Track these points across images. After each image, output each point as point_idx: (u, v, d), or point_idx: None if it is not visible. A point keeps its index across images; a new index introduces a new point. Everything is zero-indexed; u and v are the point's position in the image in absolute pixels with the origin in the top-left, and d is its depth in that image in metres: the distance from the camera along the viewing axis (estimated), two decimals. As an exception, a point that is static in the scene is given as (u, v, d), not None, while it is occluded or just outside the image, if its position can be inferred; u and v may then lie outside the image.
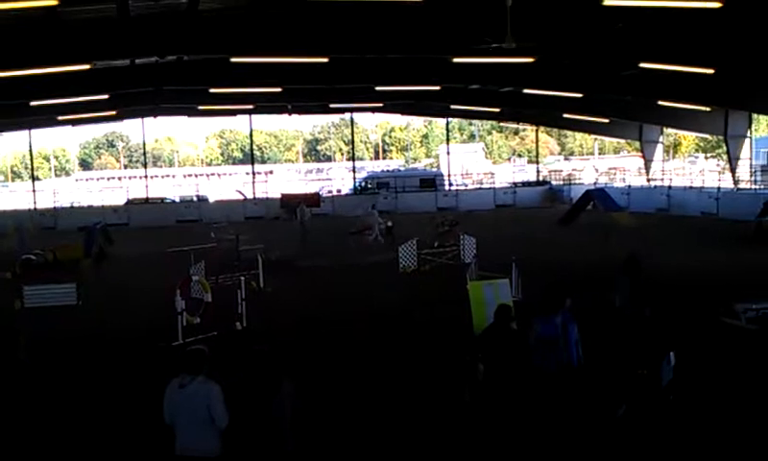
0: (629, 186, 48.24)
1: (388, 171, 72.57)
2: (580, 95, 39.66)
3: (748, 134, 43.79)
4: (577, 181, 60.20)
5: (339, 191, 65.10)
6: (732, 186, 42.69)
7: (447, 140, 70.06)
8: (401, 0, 20.82)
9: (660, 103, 40.83)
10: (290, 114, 55.00)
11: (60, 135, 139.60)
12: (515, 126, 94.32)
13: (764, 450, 8.39)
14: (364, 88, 40.42)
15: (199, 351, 6.70)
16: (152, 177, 69.41)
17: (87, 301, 18.49)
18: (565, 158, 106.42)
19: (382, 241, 29.33)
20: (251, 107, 48.70)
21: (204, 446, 6.42)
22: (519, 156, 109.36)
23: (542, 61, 29.09)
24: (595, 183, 54.14)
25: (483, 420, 8.30)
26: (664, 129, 51.99)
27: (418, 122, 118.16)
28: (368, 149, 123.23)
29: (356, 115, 64.66)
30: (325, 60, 29.04)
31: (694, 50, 25.33)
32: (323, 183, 76.07)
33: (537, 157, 70.74)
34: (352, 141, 69.31)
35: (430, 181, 55.40)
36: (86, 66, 26.34)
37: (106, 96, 36.93)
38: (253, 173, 59.90)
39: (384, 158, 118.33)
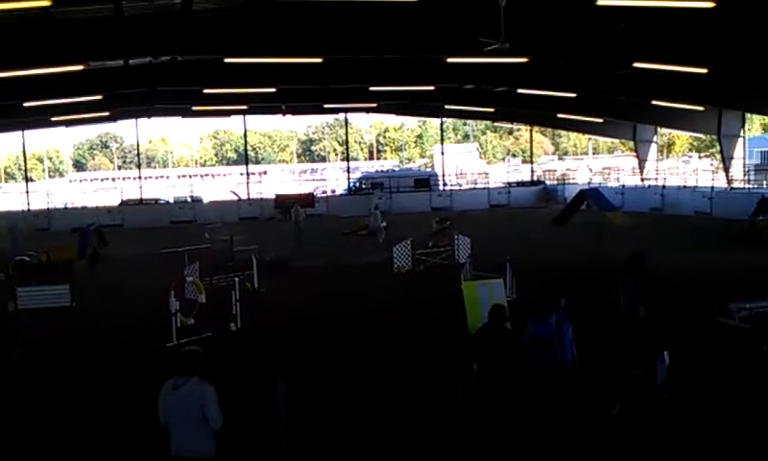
0: (623, 186, 48.35)
1: (382, 171, 72.55)
2: (574, 95, 39.72)
3: (741, 134, 44.00)
4: (571, 181, 60.26)
5: (333, 191, 65.05)
6: (726, 186, 42.84)
7: (442, 140, 70.07)
8: (396, 0, 20.82)
9: (653, 102, 40.95)
10: (284, 115, 54.99)
11: (54, 136, 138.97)
12: (509, 126, 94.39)
13: (758, 449, 8.41)
14: (358, 89, 40.42)
15: (193, 352, 6.70)
16: (146, 178, 69.22)
17: (81, 302, 18.42)
18: (560, 158, 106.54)
19: (381, 241, 29.25)
20: (245, 107, 48.66)
21: (198, 447, 6.41)
22: (514, 155, 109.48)
23: (536, 61, 29.17)
24: (589, 183, 54.27)
25: (477, 419, 8.30)
26: (658, 128, 52.16)
27: (412, 122, 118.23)
28: (362, 149, 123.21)
29: (350, 116, 64.59)
30: (320, 60, 29.06)
31: (688, 50, 25.40)
32: (317, 184, 76.03)
33: (531, 156, 70.73)
34: (347, 141, 69.27)
35: (424, 182, 55.44)
36: (80, 67, 26.32)
37: (99, 97, 36.87)
38: (248, 173, 59.77)
39: (378, 159, 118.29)
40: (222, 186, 72.03)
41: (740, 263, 21.68)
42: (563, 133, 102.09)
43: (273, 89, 37.20)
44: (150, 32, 23.46)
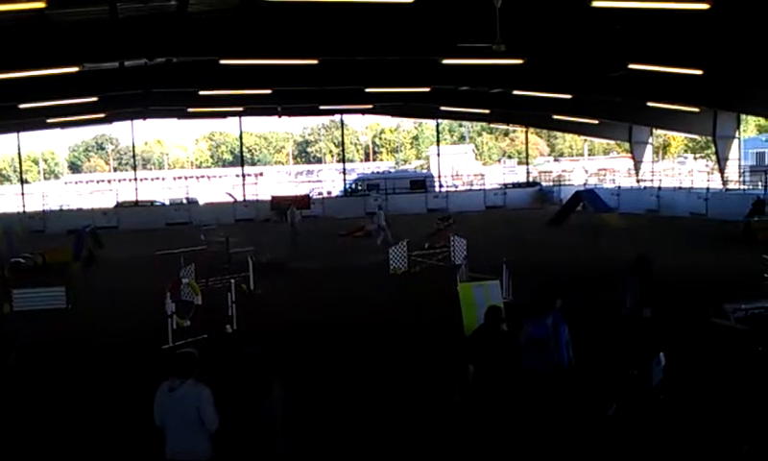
0: (618, 187, 48.41)
1: (378, 173, 72.56)
2: (569, 96, 39.79)
3: (736, 135, 44.08)
4: (567, 183, 60.31)
5: (329, 193, 65.06)
6: (721, 187, 42.93)
7: (438, 142, 70.07)
8: (391, 2, 20.82)
9: (649, 104, 41.04)
10: (280, 116, 54.95)
11: (49, 138, 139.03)
12: (504, 127, 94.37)
13: (753, 449, 8.42)
14: (354, 90, 40.43)
15: (189, 353, 6.69)
16: (141, 179, 69.20)
17: (77, 304, 18.38)
18: (555, 160, 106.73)
19: (379, 242, 29.20)
20: (240, 109, 48.62)
21: (194, 449, 6.40)
22: (509, 157, 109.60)
23: (532, 63, 29.20)
24: (585, 184, 54.28)
25: (473, 421, 8.30)
26: (654, 130, 52.21)
27: (408, 124, 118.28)
28: (358, 151, 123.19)
29: (346, 117, 64.68)
30: (315, 61, 29.05)
31: (683, 51, 25.44)
32: (313, 185, 75.98)
33: (527, 158, 70.86)
34: (342, 143, 69.26)
35: (420, 183, 55.43)
36: (75, 69, 26.24)
37: (95, 98, 36.81)
38: (243, 175, 59.75)
39: (374, 160, 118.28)
40: (218, 188, 71.91)
41: (735, 264, 21.69)
42: (558, 134, 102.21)
43: (268, 91, 37.18)
44: (145, 33, 23.41)
